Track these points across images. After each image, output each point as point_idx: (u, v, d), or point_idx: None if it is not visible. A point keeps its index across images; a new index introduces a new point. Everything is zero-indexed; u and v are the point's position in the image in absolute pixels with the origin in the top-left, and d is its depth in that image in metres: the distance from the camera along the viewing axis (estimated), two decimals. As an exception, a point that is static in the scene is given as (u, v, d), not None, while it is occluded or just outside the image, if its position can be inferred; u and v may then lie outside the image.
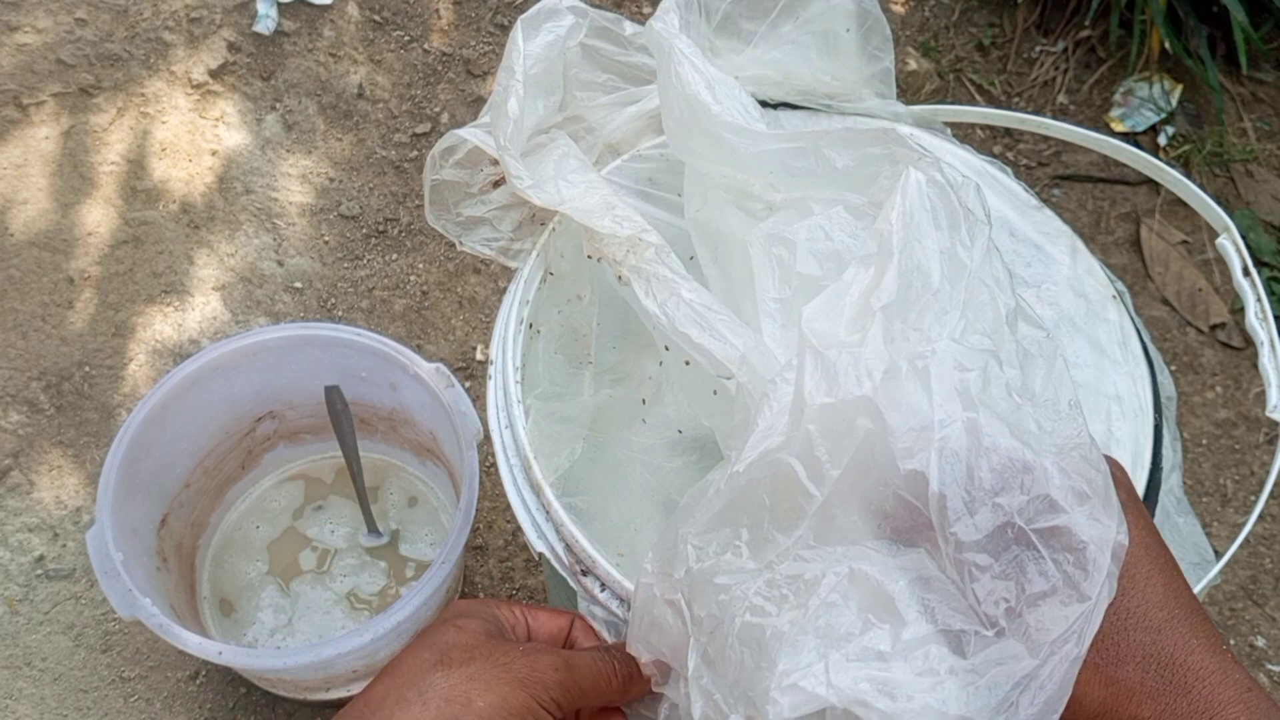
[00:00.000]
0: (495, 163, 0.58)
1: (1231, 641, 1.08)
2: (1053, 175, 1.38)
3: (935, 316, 0.38)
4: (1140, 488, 0.53)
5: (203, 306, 1.16)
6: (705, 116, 0.51)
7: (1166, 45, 1.38)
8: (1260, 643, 1.08)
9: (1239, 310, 1.27)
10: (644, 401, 0.66)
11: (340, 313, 1.18)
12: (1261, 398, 1.22)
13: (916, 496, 0.35)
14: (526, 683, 0.39)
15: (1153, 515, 0.53)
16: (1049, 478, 0.34)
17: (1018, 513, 0.34)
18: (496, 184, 0.59)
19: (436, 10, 1.38)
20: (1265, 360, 0.58)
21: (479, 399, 0.97)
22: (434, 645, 0.40)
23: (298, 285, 1.19)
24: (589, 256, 0.54)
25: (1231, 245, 0.61)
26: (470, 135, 0.58)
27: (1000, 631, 0.33)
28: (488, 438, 0.62)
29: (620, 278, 0.51)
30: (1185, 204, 0.64)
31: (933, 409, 0.35)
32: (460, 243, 0.61)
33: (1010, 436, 0.35)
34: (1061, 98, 1.44)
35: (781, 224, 0.48)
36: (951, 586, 0.35)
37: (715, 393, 0.49)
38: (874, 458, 0.35)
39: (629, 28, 0.61)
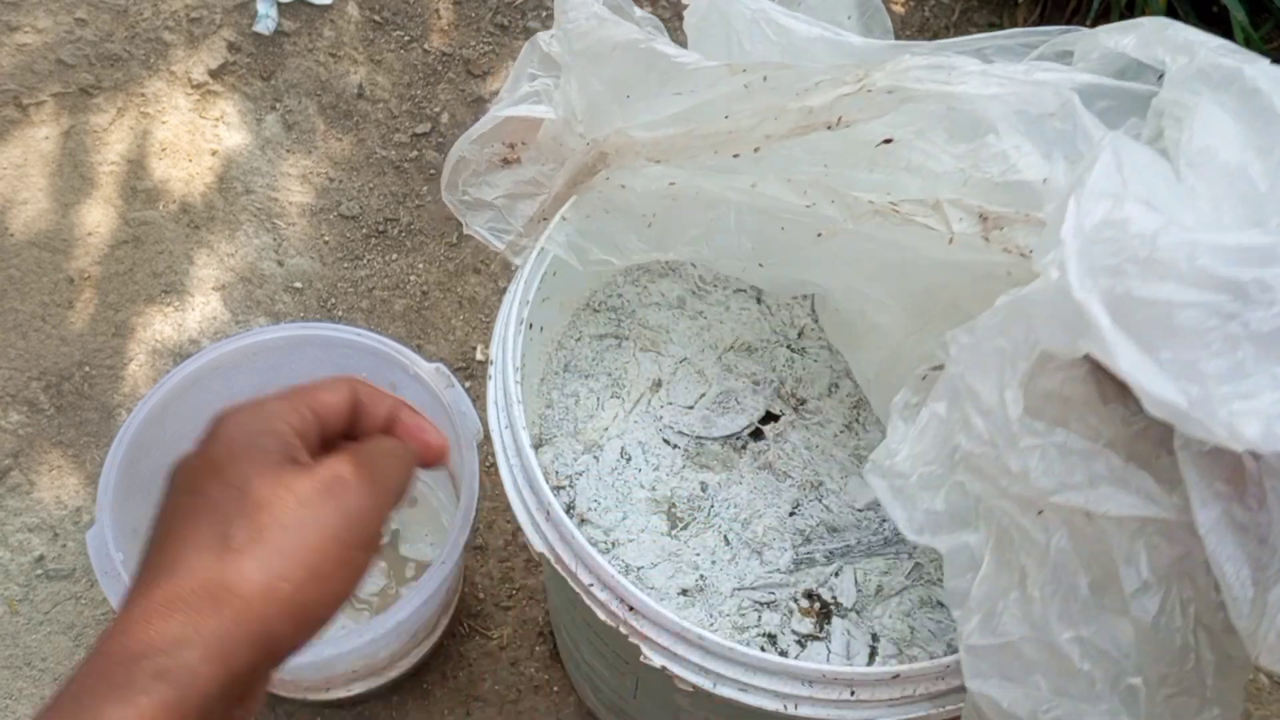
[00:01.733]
0: (508, 145, 0.58)
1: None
2: (1053, 175, 1.38)
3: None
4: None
5: (203, 306, 1.16)
6: (837, 47, 0.52)
7: (1167, 45, 1.37)
8: (1261, 643, 1.08)
9: (1239, 310, 1.26)
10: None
11: (340, 313, 1.18)
12: (1262, 398, 1.22)
13: None
14: None
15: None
16: None
17: None
18: (506, 161, 0.59)
19: (436, 10, 1.38)
20: (1266, 359, 0.57)
21: (479, 399, 0.97)
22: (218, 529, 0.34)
23: (298, 285, 1.19)
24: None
25: (1233, 244, 0.61)
26: (513, 111, 0.58)
27: None
28: (488, 438, 0.62)
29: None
30: (1186, 203, 0.64)
31: None
32: (466, 224, 0.61)
33: None
34: (1062, 98, 1.44)
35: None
36: None
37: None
38: None
39: (637, 13, 0.62)
